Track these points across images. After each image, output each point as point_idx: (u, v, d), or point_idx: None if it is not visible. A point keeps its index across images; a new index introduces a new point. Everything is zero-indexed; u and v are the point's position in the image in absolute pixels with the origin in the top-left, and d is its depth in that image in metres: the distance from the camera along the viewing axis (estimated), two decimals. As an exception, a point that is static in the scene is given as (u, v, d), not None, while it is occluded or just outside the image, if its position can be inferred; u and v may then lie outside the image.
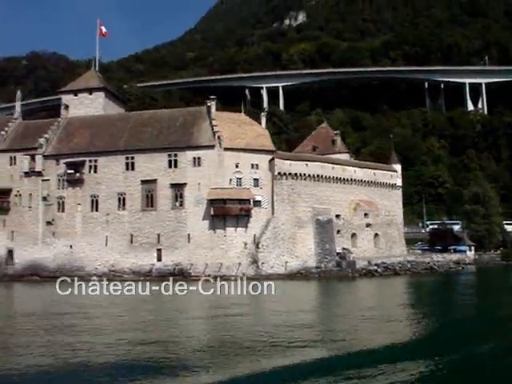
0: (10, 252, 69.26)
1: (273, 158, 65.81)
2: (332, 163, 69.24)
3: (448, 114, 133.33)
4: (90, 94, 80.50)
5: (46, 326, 30.01)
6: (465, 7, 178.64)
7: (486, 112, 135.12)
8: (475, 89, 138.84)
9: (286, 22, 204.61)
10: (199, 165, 65.18)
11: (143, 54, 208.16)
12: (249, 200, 64.01)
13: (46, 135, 70.23)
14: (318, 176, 67.71)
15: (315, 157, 70.14)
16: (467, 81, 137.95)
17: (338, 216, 69.06)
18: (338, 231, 68.87)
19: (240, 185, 65.06)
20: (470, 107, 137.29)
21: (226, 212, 63.30)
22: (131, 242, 65.92)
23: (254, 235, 64.87)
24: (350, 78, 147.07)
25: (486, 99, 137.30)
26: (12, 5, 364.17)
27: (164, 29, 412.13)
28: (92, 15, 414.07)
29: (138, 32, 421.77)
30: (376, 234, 72.73)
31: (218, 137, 65.19)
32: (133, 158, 66.83)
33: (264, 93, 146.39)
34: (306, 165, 67.05)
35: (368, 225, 71.79)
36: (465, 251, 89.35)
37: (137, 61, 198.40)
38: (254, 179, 65.47)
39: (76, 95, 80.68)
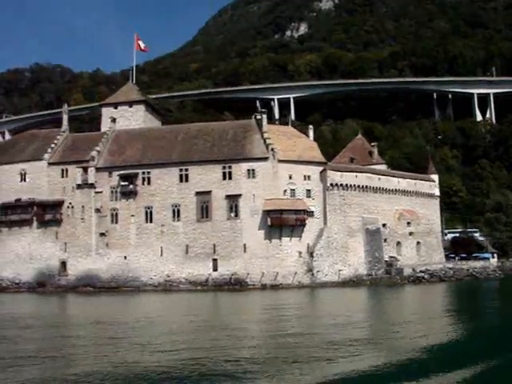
0: (63, 263, 70.55)
1: (324, 170, 68.04)
2: (378, 174, 71.68)
3: (458, 124, 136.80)
4: (131, 106, 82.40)
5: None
6: (466, 19, 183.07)
7: (494, 122, 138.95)
8: (483, 99, 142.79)
9: (288, 33, 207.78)
10: (254, 176, 67.19)
11: (145, 66, 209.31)
12: (304, 210, 66.14)
13: (97, 148, 71.67)
14: (366, 186, 70.14)
15: (363, 168, 72.66)
16: (476, 91, 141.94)
17: (384, 225, 71.51)
18: (385, 240, 71.24)
19: (294, 196, 67.24)
20: (479, 117, 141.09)
21: (283, 222, 65.37)
22: (186, 252, 67.58)
23: (308, 244, 67.00)
24: (360, 89, 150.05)
25: (494, 109, 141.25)
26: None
27: (161, 40, 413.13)
28: (89, 27, 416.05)
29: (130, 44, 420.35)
30: (418, 242, 75.32)
31: (272, 149, 67.34)
32: (187, 169, 68.62)
33: (275, 104, 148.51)
34: (356, 176, 69.47)
35: (411, 233, 74.38)
36: (488, 258, 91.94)
37: (139, 72, 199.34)
38: (307, 190, 67.72)
39: (116, 108, 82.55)
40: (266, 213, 65.78)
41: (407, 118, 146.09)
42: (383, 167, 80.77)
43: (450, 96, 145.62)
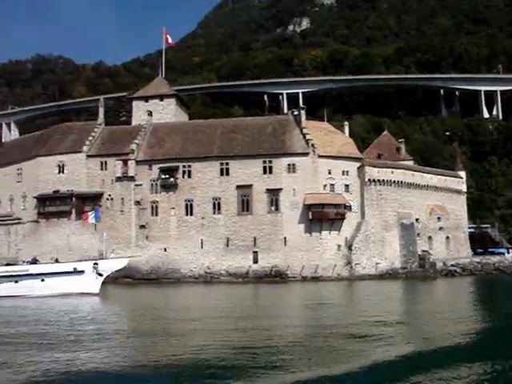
0: (102, 255, 71.53)
1: (362, 165, 70.02)
2: (412, 170, 73.92)
3: (466, 121, 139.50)
4: (161, 100, 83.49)
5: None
6: (468, 15, 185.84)
7: (501, 119, 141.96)
8: (490, 96, 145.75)
9: (290, 27, 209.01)
10: (294, 171, 68.98)
11: (146, 58, 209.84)
12: (343, 205, 68.12)
13: (135, 141, 72.89)
14: (401, 182, 72.30)
15: (399, 164, 74.83)
16: (483, 88, 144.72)
17: (417, 220, 73.75)
18: (418, 234, 73.51)
19: (333, 190, 69.19)
20: (486, 114, 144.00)
21: (324, 216, 67.30)
22: (227, 244, 69.20)
23: (346, 238, 69.01)
24: (367, 85, 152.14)
25: (500, 106, 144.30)
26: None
27: (159, 33, 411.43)
28: (88, 19, 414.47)
29: (134, 36, 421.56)
30: (447, 237, 77.69)
31: (312, 144, 69.16)
32: (227, 163, 70.19)
33: (284, 99, 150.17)
34: (392, 172, 71.57)
35: (441, 228, 76.77)
36: (503, 253, 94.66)
37: (141, 65, 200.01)
38: (345, 185, 69.67)
39: (147, 101, 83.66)
40: (307, 207, 67.59)
41: (414, 114, 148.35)
42: (410, 163, 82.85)
43: (456, 93, 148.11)
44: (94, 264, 46.78)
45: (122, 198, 72.01)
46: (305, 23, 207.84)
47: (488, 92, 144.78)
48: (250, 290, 57.90)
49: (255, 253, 68.79)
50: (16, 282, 44.85)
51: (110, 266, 48.32)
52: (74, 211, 73.02)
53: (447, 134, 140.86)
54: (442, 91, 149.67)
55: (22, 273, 45.58)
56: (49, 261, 54.67)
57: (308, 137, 69.97)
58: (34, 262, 49.77)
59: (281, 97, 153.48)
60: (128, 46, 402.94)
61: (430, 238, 75.34)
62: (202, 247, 69.71)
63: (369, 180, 69.89)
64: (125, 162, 71.93)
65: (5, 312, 36.76)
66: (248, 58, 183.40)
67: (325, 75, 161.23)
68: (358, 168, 70.42)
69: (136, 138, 73.53)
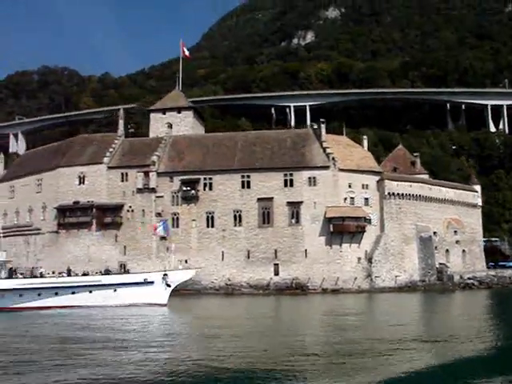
0: (123, 266, 72.35)
1: (382, 179, 71.04)
2: (430, 184, 74.99)
3: (473, 135, 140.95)
4: (179, 112, 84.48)
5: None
6: (471, 30, 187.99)
7: (507, 132, 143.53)
8: (496, 110, 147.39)
9: (295, 41, 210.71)
10: (315, 184, 69.95)
11: (151, 70, 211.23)
12: (363, 218, 69.03)
13: (156, 153, 73.76)
14: (419, 196, 73.36)
15: (417, 178, 75.84)
16: (489, 102, 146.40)
17: (434, 233, 74.69)
18: (435, 247, 74.44)
19: (353, 203, 70.12)
20: (492, 128, 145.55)
21: (345, 229, 68.19)
22: (248, 257, 69.98)
23: (366, 251, 69.90)
24: (374, 99, 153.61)
25: (507, 120, 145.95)
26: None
27: (161, 45, 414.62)
28: (90, 30, 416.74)
29: (135, 48, 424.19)
30: (463, 250, 78.63)
31: (333, 158, 70.15)
32: (248, 176, 71.09)
33: (292, 112, 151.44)
34: (410, 186, 72.60)
35: (457, 241, 77.79)
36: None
37: (147, 77, 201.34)
38: (365, 198, 70.62)
39: (164, 113, 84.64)
40: (328, 220, 68.46)
41: (421, 128, 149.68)
42: (425, 177, 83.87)
43: (463, 107, 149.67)
44: (164, 275, 48.59)
45: (143, 210, 72.76)
46: (309, 36, 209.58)
47: (494, 106, 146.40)
48: (291, 302, 58.82)
49: (276, 265, 69.54)
50: (90, 292, 46.59)
51: (178, 278, 50.33)
52: (94, 222, 73.74)
53: (454, 147, 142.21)
54: (448, 105, 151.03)
55: (95, 283, 47.15)
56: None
57: (328, 150, 70.91)
58: (107, 272, 52.07)
59: (288, 110, 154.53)
60: (132, 59, 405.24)
61: (447, 251, 76.30)
62: (222, 259, 70.42)
63: (388, 193, 70.88)
64: (146, 174, 72.74)
65: (82, 320, 38.71)
66: (253, 71, 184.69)
67: (330, 88, 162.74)
68: (378, 182, 71.36)
69: (156, 150, 74.39)
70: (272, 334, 30.98)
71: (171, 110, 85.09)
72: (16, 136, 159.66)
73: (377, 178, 71.77)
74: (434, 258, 73.02)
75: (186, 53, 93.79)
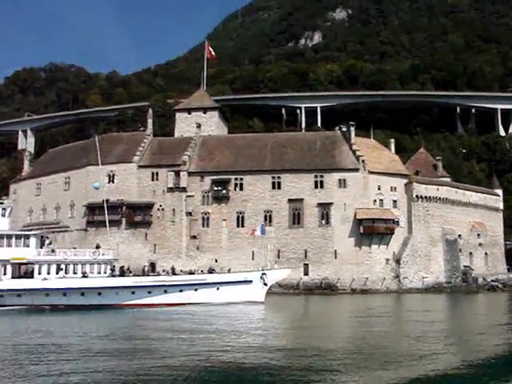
0: (153, 264, 73.69)
1: (410, 182, 72.80)
2: (456, 188, 76.87)
3: (483, 139, 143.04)
4: (205, 112, 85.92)
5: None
6: (479, 33, 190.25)
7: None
8: (506, 114, 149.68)
9: (302, 41, 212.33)
10: (345, 186, 71.57)
11: (156, 69, 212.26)
12: (392, 220, 70.77)
13: (187, 152, 75.14)
14: (445, 199, 75.23)
15: (444, 181, 77.84)
16: (499, 106, 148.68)
17: (459, 236, 76.54)
18: (460, 250, 76.28)
19: (382, 206, 71.80)
20: (502, 132, 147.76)
21: (375, 230, 69.91)
22: (278, 256, 71.45)
23: (394, 252, 71.64)
24: (384, 101, 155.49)
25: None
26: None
27: (165, 44, 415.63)
28: (94, 29, 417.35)
29: (139, 47, 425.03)
30: (486, 253, 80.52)
31: (363, 160, 71.80)
32: (279, 177, 72.68)
33: (303, 113, 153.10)
34: (437, 189, 74.41)
35: (480, 244, 79.65)
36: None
37: (153, 75, 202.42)
38: (393, 201, 72.36)
39: (190, 113, 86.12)
40: (359, 221, 70.08)
41: (430, 131, 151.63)
42: (447, 181, 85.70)
43: (473, 111, 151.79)
44: (262, 274, 50.65)
45: (174, 209, 74.08)
46: (317, 37, 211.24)
47: (504, 110, 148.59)
48: (337, 301, 61.30)
49: (306, 265, 71.02)
50: (195, 290, 48.91)
51: (275, 277, 52.83)
52: (124, 220, 74.92)
53: (464, 151, 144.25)
54: (458, 109, 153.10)
55: (201, 281, 49.62)
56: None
57: (358, 153, 72.55)
58: (211, 271, 54.65)
59: (298, 111, 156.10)
60: (136, 57, 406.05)
61: (470, 253, 78.25)
62: (253, 259, 71.72)
63: (416, 196, 72.71)
64: (177, 173, 74.06)
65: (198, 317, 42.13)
66: (261, 72, 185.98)
67: (340, 90, 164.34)
68: (406, 184, 73.08)
69: (187, 150, 75.72)
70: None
71: (197, 109, 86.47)
72: (25, 133, 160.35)
73: (405, 180, 73.53)
74: (459, 261, 74.75)
75: (212, 53, 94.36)
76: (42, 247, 50.78)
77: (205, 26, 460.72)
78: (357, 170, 71.88)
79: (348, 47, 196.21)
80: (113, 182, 76.45)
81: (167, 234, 74.20)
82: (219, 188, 73.07)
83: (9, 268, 48.30)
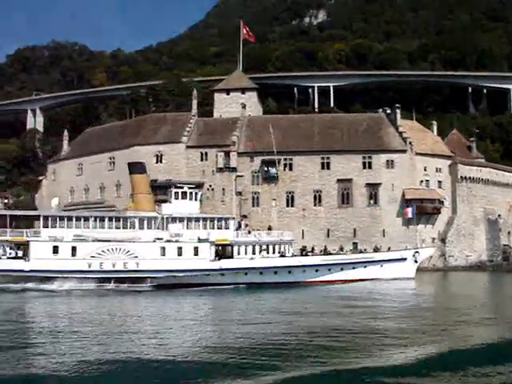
0: (203, 243, 76.06)
1: (455, 163, 76.15)
2: (496, 169, 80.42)
3: (496, 119, 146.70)
4: (243, 93, 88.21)
5: None
6: (484, 12, 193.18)
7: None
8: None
9: (306, 19, 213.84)
10: (392, 167, 74.65)
11: (158, 46, 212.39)
12: (438, 200, 74.14)
13: (235, 133, 77.48)
14: (487, 180, 78.75)
15: (486, 163, 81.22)
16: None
17: (499, 216, 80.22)
18: (500, 229, 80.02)
19: (428, 186, 75.09)
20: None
21: (423, 210, 73.24)
22: (328, 235, 74.55)
23: (439, 231, 75.10)
24: (395, 81, 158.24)
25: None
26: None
27: (162, 22, 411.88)
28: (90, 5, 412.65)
29: (137, 24, 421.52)
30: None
31: (410, 142, 74.85)
32: (328, 158, 75.53)
33: (315, 92, 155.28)
34: (480, 170, 77.89)
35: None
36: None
37: (158, 53, 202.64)
38: (438, 181, 75.69)
39: (228, 94, 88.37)
40: (407, 201, 73.28)
41: (442, 111, 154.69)
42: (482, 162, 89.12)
43: (484, 91, 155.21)
44: (415, 252, 56.44)
45: (223, 189, 76.62)
46: (321, 15, 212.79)
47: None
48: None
49: (355, 244, 74.09)
50: (365, 267, 54.02)
51: (424, 255, 58.69)
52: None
53: (477, 131, 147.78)
54: (470, 89, 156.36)
55: (369, 259, 55.24)
56: None
57: (404, 135, 75.49)
58: (376, 250, 59.94)
59: (310, 90, 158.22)
60: (135, 35, 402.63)
61: (509, 233, 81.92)
62: (303, 237, 74.62)
63: (461, 177, 76.05)
64: (227, 154, 76.39)
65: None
66: (268, 50, 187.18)
67: (350, 69, 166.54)
68: (450, 166, 76.34)
69: (234, 130, 77.97)
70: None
71: (236, 90, 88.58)
72: (34, 111, 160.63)
73: (448, 162, 76.77)
74: (500, 240, 78.48)
75: (250, 34, 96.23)
76: (238, 230, 54.68)
77: (204, 3, 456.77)
78: (404, 151, 74.93)
79: (354, 25, 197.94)
80: (161, 162, 78.52)
81: (217, 213, 76.38)
82: (269, 168, 75.50)
83: (212, 249, 51.66)
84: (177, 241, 50.48)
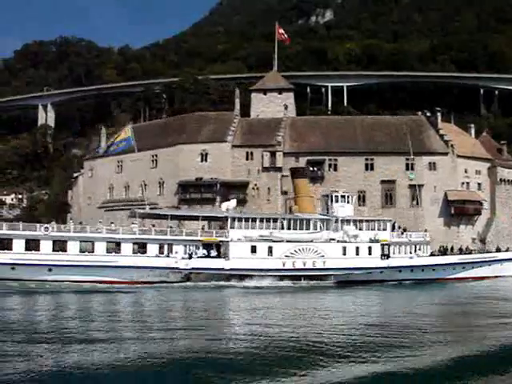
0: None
1: (494, 166, 79.81)
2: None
3: (508, 121, 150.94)
4: (280, 93, 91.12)
5: None
6: (492, 14, 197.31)
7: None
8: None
9: (313, 18, 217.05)
10: (434, 169, 78.05)
11: (166, 44, 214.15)
12: (479, 201, 77.72)
13: (280, 133, 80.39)
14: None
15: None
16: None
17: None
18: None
19: (468, 188, 78.64)
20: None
21: (464, 211, 76.90)
22: (371, 235, 77.55)
23: (478, 232, 78.68)
24: (406, 81, 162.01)
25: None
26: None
27: (165, 18, 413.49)
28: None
29: (139, 22, 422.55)
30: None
31: (452, 145, 78.34)
32: (372, 159, 78.72)
33: (329, 92, 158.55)
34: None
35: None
36: None
37: (165, 50, 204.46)
38: (478, 183, 79.27)
39: (265, 94, 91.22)
40: (449, 202, 76.74)
41: (454, 113, 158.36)
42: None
43: (496, 92, 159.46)
44: None
45: (269, 188, 79.46)
46: (328, 14, 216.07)
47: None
48: None
49: (397, 243, 77.26)
50: (489, 265, 60.61)
51: None
52: (218, 198, 79.82)
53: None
54: (481, 90, 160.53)
55: (493, 258, 61.74)
56: None
57: (446, 138, 78.95)
58: (498, 250, 65.20)
59: (324, 89, 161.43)
60: (139, 33, 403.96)
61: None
62: (347, 236, 77.60)
63: (500, 179, 79.64)
64: (272, 154, 79.22)
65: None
66: (278, 49, 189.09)
67: (361, 69, 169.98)
68: (489, 168, 79.93)
69: (279, 131, 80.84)
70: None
71: (272, 90, 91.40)
72: (45, 107, 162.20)
73: (487, 164, 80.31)
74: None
75: (285, 36, 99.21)
76: (392, 230, 60.13)
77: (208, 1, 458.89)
78: (446, 153, 78.36)
79: (362, 25, 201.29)
80: (205, 160, 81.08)
81: (262, 211, 79.33)
82: (314, 168, 78.47)
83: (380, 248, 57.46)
84: (354, 241, 56.18)
